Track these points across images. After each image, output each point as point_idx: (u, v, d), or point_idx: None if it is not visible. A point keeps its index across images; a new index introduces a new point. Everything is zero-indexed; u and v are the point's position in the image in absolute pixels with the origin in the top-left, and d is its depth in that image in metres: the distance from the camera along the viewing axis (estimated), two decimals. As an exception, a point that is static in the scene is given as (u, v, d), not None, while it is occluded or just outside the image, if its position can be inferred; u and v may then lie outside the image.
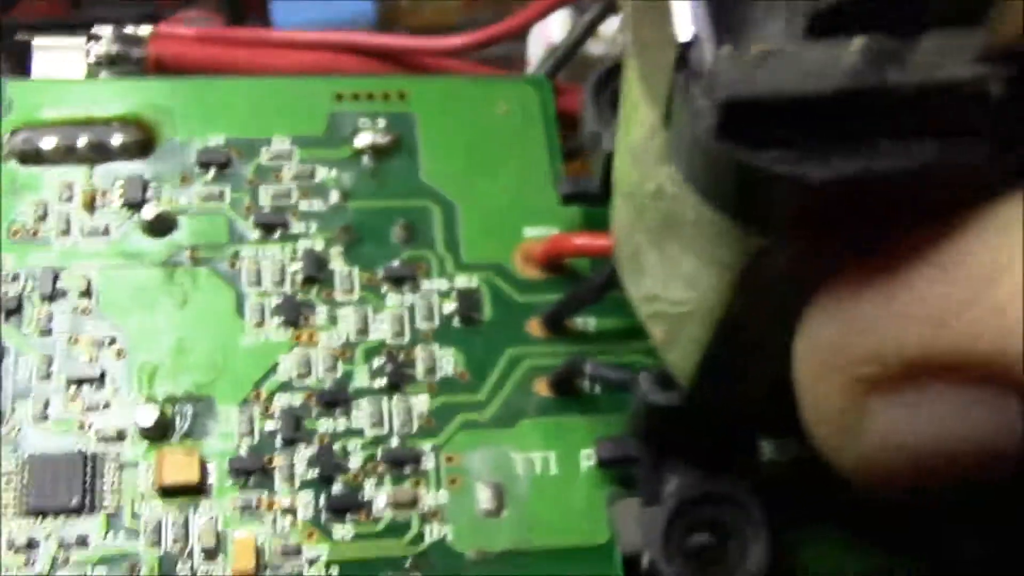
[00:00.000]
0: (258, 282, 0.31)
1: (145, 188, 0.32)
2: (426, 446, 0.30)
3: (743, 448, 0.29)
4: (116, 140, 0.33)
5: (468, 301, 0.32)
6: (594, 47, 0.38)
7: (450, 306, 0.32)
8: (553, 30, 0.40)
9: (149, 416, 0.29)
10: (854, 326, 0.18)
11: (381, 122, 0.34)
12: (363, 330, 0.31)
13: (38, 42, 0.35)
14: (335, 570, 0.28)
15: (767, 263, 0.19)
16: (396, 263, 0.32)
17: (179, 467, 0.28)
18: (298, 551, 0.28)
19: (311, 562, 0.28)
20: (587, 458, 0.30)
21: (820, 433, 0.19)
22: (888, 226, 0.17)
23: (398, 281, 0.32)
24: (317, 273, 0.31)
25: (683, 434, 0.28)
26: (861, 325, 0.18)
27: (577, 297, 0.31)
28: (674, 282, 0.23)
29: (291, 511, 0.29)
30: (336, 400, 0.30)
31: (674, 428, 0.28)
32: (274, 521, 0.28)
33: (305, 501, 0.29)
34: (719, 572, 0.28)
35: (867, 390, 0.18)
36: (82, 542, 0.28)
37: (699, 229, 0.20)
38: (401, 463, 0.29)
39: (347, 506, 0.29)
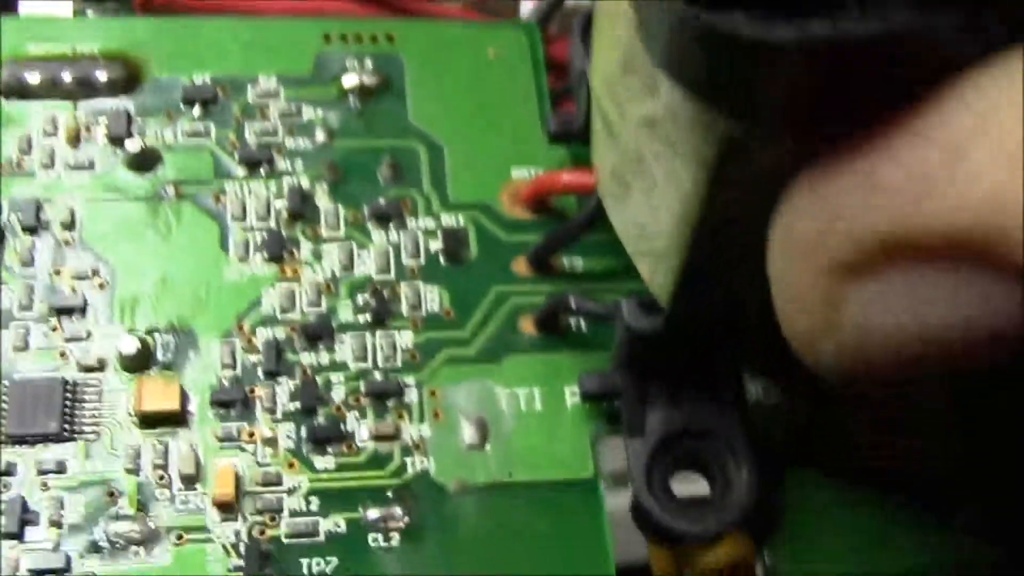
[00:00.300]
0: (243, 217, 0.31)
1: (130, 123, 0.32)
2: (410, 380, 0.29)
3: (729, 385, 0.28)
4: (102, 76, 0.32)
5: (454, 239, 0.31)
6: (584, -4, 0.38)
7: (436, 244, 0.31)
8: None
9: (130, 345, 0.28)
10: (828, 210, 0.18)
11: (368, 63, 0.34)
12: (348, 266, 0.31)
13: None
14: (316, 500, 0.28)
15: (743, 158, 0.19)
16: (381, 201, 0.32)
17: (159, 395, 0.28)
18: (279, 480, 0.28)
19: (291, 491, 0.28)
20: (572, 395, 0.30)
21: (797, 329, 0.19)
22: (863, 107, 0.17)
23: (383, 218, 0.31)
24: (302, 209, 0.31)
25: (667, 365, 0.28)
26: (835, 208, 0.17)
27: (563, 232, 0.31)
28: (655, 204, 0.23)
29: (272, 441, 0.28)
30: (319, 334, 0.30)
31: (658, 357, 0.28)
32: (255, 451, 0.28)
33: (286, 432, 0.28)
34: (704, 507, 0.28)
35: (843, 278, 0.18)
36: (60, 468, 0.27)
37: (675, 129, 0.20)
38: (384, 396, 0.29)
39: (329, 437, 0.28)
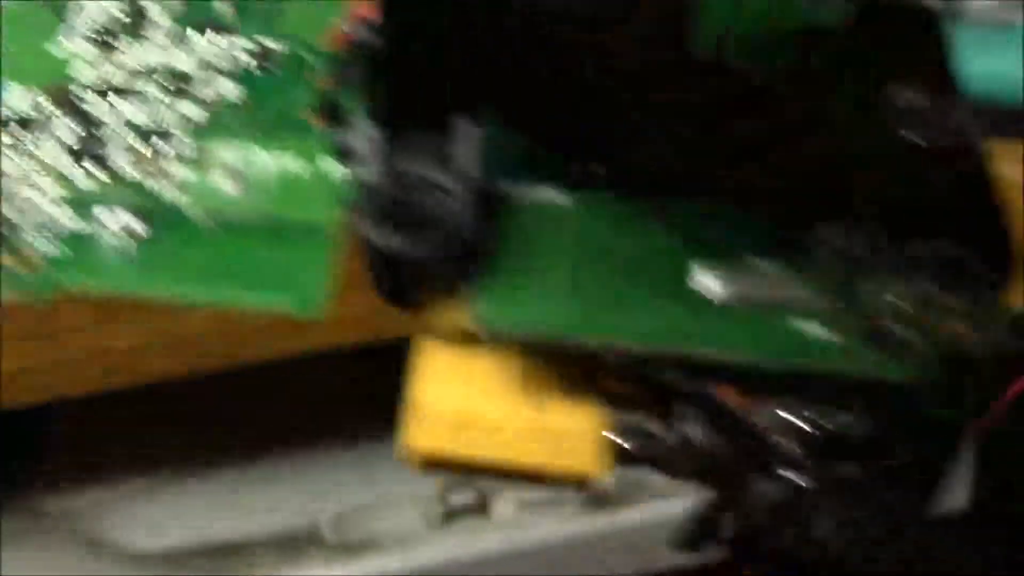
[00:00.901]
0: (79, 15, 0.35)
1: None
2: (186, 136, 0.32)
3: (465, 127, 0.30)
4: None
5: (269, 56, 0.34)
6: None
7: (251, 59, 0.34)
8: None
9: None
10: None
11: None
12: (164, 61, 0.34)
13: None
14: (66, 207, 0.30)
15: None
16: (211, 20, 0.35)
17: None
18: (39, 191, 0.30)
19: (52, 200, 0.30)
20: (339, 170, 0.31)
21: None
22: None
23: (206, 31, 0.35)
24: (137, 17, 0.35)
25: (407, 106, 0.30)
26: None
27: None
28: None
29: (40, 156, 0.31)
30: (116, 93, 0.32)
31: (397, 93, 0.29)
32: (19, 161, 0.31)
33: (56, 149, 0.31)
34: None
35: None
36: None
37: None
38: (157, 143, 0.31)
39: (95, 160, 0.31)
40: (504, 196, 0.30)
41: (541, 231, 0.30)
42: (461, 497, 0.67)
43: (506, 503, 0.67)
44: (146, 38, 0.34)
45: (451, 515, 0.67)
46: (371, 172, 0.30)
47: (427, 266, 0.29)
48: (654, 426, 0.30)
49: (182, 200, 0.30)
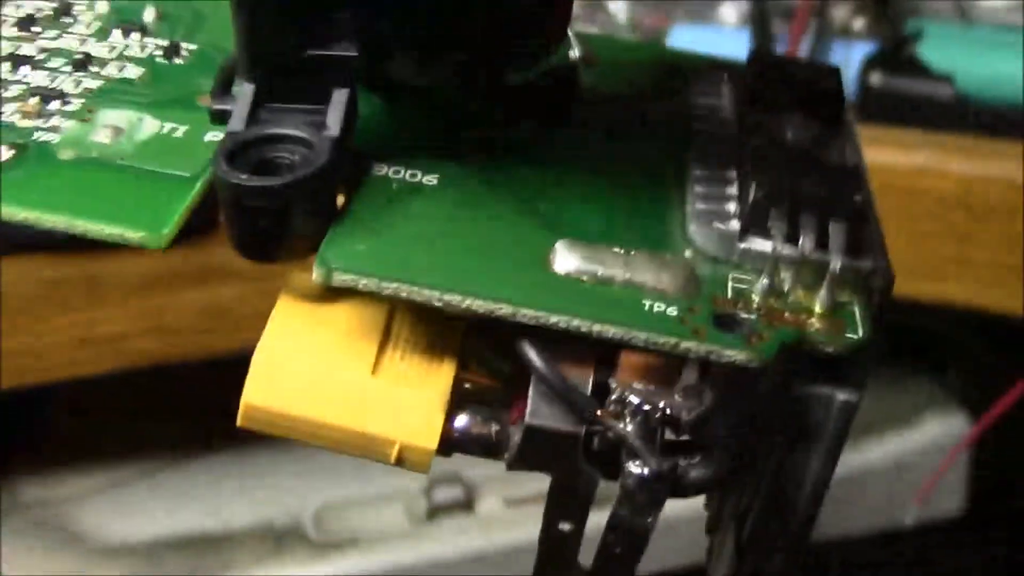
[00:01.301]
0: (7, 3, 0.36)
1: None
2: (78, 98, 0.33)
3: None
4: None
5: (179, 52, 0.35)
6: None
7: (161, 51, 0.35)
8: None
9: None
10: None
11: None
12: (81, 48, 0.35)
13: None
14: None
15: None
16: (135, 23, 0.36)
17: None
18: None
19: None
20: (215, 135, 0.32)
21: None
22: None
23: (128, 32, 0.36)
24: (64, 15, 0.36)
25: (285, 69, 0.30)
26: None
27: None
28: None
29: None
30: (24, 63, 0.34)
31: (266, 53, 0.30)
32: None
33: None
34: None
35: None
36: None
37: None
38: (49, 99, 0.32)
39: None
40: (370, 164, 0.30)
41: (404, 200, 0.30)
42: (446, 493, 0.64)
43: (492, 500, 0.65)
44: (68, 29, 0.36)
45: (436, 511, 0.64)
46: (238, 124, 0.30)
47: (282, 215, 0.29)
48: (494, 408, 0.29)
49: (53, 140, 0.31)
